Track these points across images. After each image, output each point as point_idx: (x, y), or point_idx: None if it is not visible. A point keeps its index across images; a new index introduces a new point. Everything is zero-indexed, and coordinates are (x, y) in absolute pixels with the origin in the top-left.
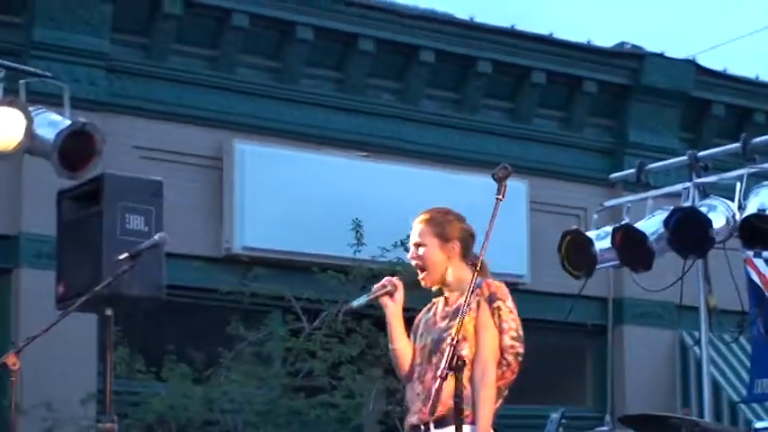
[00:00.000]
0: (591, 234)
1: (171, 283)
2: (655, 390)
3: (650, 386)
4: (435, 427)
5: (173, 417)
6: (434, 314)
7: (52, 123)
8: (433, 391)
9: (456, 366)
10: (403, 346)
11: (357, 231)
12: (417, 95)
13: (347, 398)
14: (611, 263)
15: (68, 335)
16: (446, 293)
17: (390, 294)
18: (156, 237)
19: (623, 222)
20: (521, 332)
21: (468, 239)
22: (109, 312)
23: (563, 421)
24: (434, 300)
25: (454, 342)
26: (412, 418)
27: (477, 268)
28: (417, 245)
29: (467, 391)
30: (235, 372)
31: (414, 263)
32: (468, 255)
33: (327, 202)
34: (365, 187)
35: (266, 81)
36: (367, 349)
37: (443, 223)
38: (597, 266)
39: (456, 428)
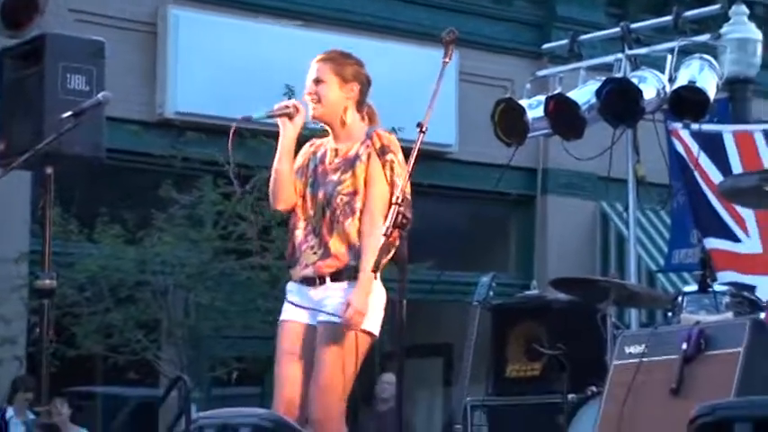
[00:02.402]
0: (523, 103)
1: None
2: (575, 258)
3: (571, 255)
4: (332, 281)
5: (104, 277)
6: (324, 162)
7: None
8: (377, 247)
9: (400, 224)
10: (286, 170)
11: (290, 97)
12: None
13: (278, 259)
14: (543, 131)
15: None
16: (336, 144)
17: (290, 117)
18: (100, 96)
19: (556, 91)
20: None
21: (366, 85)
22: (49, 170)
23: (493, 285)
24: (317, 141)
25: (399, 201)
26: (306, 270)
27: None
28: (316, 80)
29: (358, 246)
30: (167, 234)
31: (309, 98)
32: (363, 102)
33: (261, 70)
34: (299, 56)
35: None
36: None
37: (344, 64)
38: (529, 135)
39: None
